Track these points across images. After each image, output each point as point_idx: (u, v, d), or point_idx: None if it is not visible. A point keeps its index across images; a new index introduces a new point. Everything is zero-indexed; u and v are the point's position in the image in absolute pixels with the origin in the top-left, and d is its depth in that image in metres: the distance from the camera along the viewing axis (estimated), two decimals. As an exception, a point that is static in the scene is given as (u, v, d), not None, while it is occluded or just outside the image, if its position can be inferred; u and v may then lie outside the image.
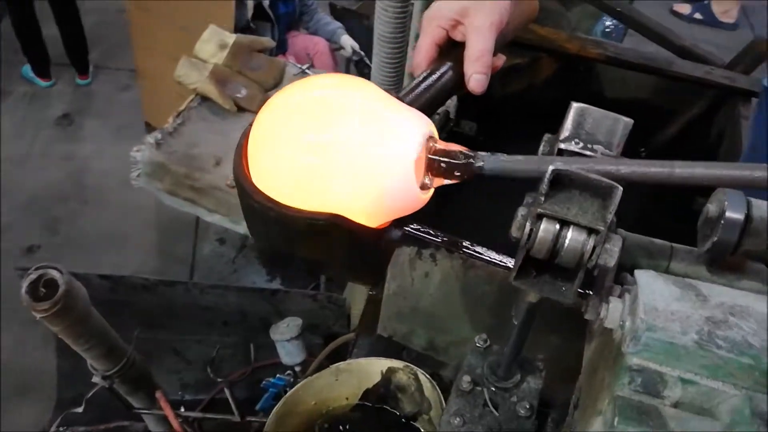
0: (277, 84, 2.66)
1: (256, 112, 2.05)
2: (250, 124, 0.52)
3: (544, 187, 0.40)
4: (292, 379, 1.93)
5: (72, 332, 1.07)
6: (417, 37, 1.53)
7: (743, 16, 4.90)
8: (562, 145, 0.46)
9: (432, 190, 0.49)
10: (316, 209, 0.47)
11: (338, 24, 3.21)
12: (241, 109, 2.49)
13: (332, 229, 0.47)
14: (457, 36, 0.72)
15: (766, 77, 1.09)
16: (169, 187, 2.16)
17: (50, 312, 0.99)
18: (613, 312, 0.43)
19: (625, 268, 0.53)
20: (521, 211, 0.42)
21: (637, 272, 0.43)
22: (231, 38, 2.53)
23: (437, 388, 0.91)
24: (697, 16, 4.59)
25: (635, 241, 0.56)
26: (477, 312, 0.95)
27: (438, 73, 0.67)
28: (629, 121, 0.46)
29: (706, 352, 0.37)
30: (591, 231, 0.40)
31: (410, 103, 0.60)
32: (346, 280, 1.44)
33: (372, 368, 0.98)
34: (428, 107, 0.60)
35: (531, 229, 0.41)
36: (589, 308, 0.53)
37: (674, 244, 0.56)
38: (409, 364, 0.96)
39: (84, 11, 4.23)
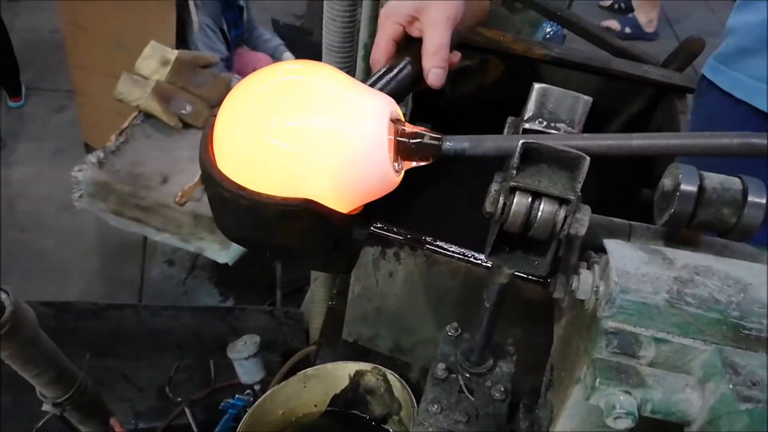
0: (222, 99, 2.62)
1: (202, 128, 2.01)
2: (214, 114, 0.52)
3: (515, 161, 0.42)
4: (251, 399, 1.89)
5: (20, 356, 1.02)
6: (365, 46, 1.55)
7: (667, 26, 5.20)
8: (527, 125, 0.48)
9: (402, 173, 0.50)
10: (288, 195, 0.47)
11: (279, 41, 3.22)
12: (186, 126, 2.45)
13: (304, 215, 0.47)
14: (414, 32, 0.73)
15: (705, 66, 1.17)
16: (113, 207, 2.09)
17: (-4, 336, 0.94)
18: (584, 283, 0.45)
19: (588, 247, 0.55)
20: (494, 187, 0.43)
21: (605, 241, 0.45)
22: (173, 54, 2.49)
23: (407, 386, 0.92)
24: (628, 30, 4.81)
25: (595, 221, 0.58)
26: (441, 309, 0.96)
27: (396, 69, 0.68)
28: (588, 99, 0.49)
29: (677, 309, 0.39)
30: (562, 201, 0.42)
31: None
32: (319, 269, 1.43)
33: (339, 373, 0.98)
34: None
35: (504, 203, 0.42)
36: (557, 286, 0.54)
37: (632, 222, 0.58)
38: (377, 366, 0.96)
39: (14, 31, 4.07)
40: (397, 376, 0.94)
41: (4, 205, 2.95)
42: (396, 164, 0.49)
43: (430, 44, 0.70)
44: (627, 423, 0.38)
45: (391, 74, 0.68)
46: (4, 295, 0.97)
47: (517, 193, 0.42)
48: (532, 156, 0.42)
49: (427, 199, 1.16)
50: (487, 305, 0.56)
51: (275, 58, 3.14)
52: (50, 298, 2.02)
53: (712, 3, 5.44)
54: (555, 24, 2.01)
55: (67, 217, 2.86)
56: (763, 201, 0.49)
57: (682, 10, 5.53)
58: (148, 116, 2.38)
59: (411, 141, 0.47)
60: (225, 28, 2.92)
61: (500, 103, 1.14)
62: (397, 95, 0.71)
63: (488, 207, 0.43)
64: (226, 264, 2.10)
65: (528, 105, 0.48)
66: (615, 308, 0.40)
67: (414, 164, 0.50)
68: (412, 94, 1.14)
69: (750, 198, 0.49)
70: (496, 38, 1.03)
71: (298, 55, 3.27)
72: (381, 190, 0.49)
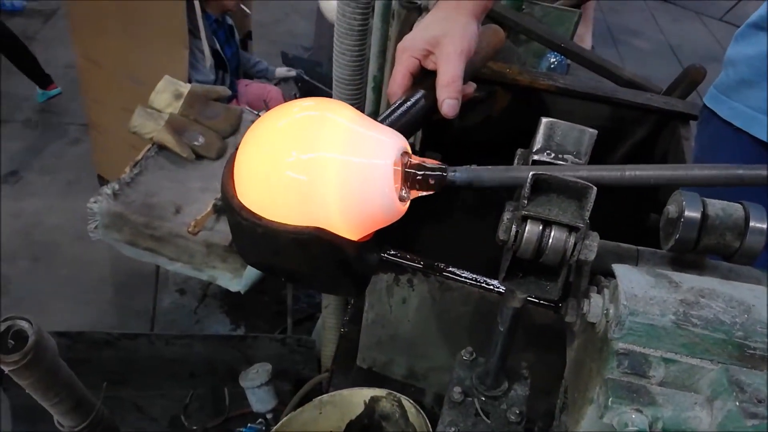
0: (234, 131, 2.68)
1: (215, 159, 2.06)
2: (236, 147, 0.55)
3: (526, 191, 0.44)
4: (263, 428, 1.89)
5: (41, 385, 1.04)
6: (374, 78, 1.59)
7: (614, 49, 5.31)
8: (536, 157, 0.51)
9: (408, 202, 0.53)
10: (303, 222, 0.49)
11: (265, 63, 3.32)
12: (199, 157, 2.50)
13: (315, 242, 0.50)
14: (429, 65, 0.77)
15: (706, 95, 1.20)
16: (128, 237, 2.13)
17: (20, 364, 0.96)
18: (594, 306, 0.47)
19: (598, 272, 0.57)
20: (506, 216, 0.46)
21: (614, 266, 0.47)
22: (186, 88, 2.55)
23: (422, 412, 0.93)
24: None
25: (604, 247, 0.60)
26: (455, 334, 0.98)
27: (412, 100, 0.71)
28: (594, 131, 0.51)
29: (684, 330, 0.41)
30: (572, 229, 0.44)
31: (392, 124, 0.64)
32: (330, 292, 1.45)
33: (355, 399, 0.99)
34: (405, 131, 0.64)
35: (517, 231, 0.45)
36: (569, 310, 0.56)
37: (639, 247, 0.60)
38: (392, 392, 0.97)
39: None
40: (412, 401, 0.96)
41: (19, 235, 2.99)
42: (403, 193, 0.52)
43: (444, 77, 0.74)
44: (639, 440, 0.40)
45: (407, 105, 0.71)
46: (26, 325, 0.99)
47: (529, 221, 0.44)
48: (541, 186, 0.45)
49: (441, 225, 1.18)
50: (501, 329, 0.58)
51: (269, 78, 3.25)
52: (64, 328, 2.05)
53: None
54: (559, 54, 2.05)
55: (81, 248, 2.90)
56: (764, 226, 0.51)
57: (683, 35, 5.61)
58: (161, 148, 2.43)
59: (417, 172, 0.49)
60: (218, 47, 2.98)
61: (508, 133, 1.17)
62: (413, 125, 0.74)
63: (501, 235, 0.46)
64: (238, 292, 2.12)
65: (536, 138, 0.51)
66: (625, 330, 0.42)
67: (422, 193, 0.52)
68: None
69: (752, 223, 0.51)
70: (501, 70, 1.06)
71: (308, 85, 3.34)
72: (388, 219, 0.51)
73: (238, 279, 2.05)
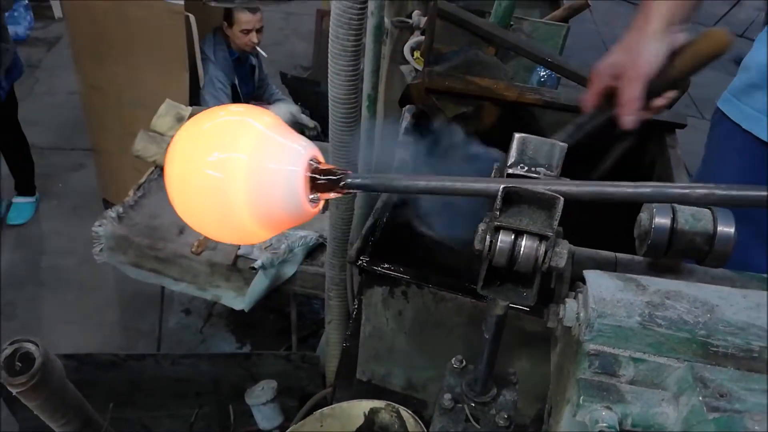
0: (234, 152, 2.72)
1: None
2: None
3: (498, 203, 0.47)
4: (269, 446, 1.90)
5: (49, 406, 1.06)
6: (368, 97, 1.62)
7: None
8: (510, 170, 0.53)
9: (320, 204, 0.56)
10: (221, 217, 0.53)
11: (289, 100, 3.35)
12: (201, 178, 2.54)
13: None
14: (616, 85, 0.91)
15: (720, 98, 1.26)
16: (133, 259, 2.16)
17: (27, 386, 0.98)
18: (569, 311, 0.49)
19: (578, 279, 0.60)
20: (481, 226, 0.48)
21: (585, 272, 0.49)
22: (187, 110, 2.60)
23: (420, 422, 0.94)
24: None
25: (584, 254, 0.62)
26: (450, 344, 1.00)
27: (598, 114, 0.94)
28: (564, 145, 0.54)
29: (650, 331, 0.43)
30: (542, 237, 0.46)
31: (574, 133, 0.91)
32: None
33: (354, 411, 1.01)
34: (586, 135, 0.94)
35: (491, 241, 0.47)
36: (550, 316, 0.58)
37: (618, 254, 0.63)
38: (390, 403, 0.99)
39: (34, 95, 4.26)
40: (410, 412, 0.97)
41: (27, 261, 3.03)
42: (312, 195, 0.55)
43: (623, 97, 0.90)
44: (610, 436, 0.42)
45: (593, 118, 0.95)
46: (33, 347, 1.02)
47: (501, 231, 0.47)
48: (512, 198, 0.48)
49: (433, 237, 1.20)
50: (487, 336, 0.60)
51: (268, 97, 3.29)
52: (72, 350, 2.07)
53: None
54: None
55: (87, 271, 2.93)
56: (732, 230, 0.54)
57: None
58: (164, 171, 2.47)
59: (320, 177, 0.53)
60: (237, 83, 3.05)
61: (497, 146, 1.20)
62: (593, 131, 0.98)
63: (477, 245, 0.48)
64: (243, 311, 2.14)
65: (510, 152, 0.53)
66: (594, 332, 0.44)
67: (332, 196, 0.56)
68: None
69: (719, 228, 0.53)
70: (489, 86, 1.10)
71: (305, 104, 3.39)
72: (297, 220, 0.56)
73: (241, 297, 2.08)
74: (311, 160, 0.54)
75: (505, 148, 0.99)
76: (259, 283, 2.04)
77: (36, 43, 4.96)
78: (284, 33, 5.29)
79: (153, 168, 2.47)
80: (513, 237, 0.47)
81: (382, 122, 1.78)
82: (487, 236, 0.47)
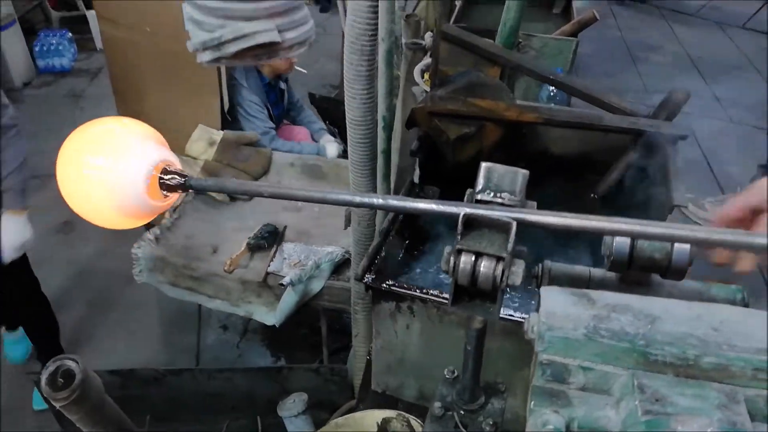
0: (265, 171, 2.83)
1: (247, 200, 2.20)
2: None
3: (459, 228, 0.52)
4: (302, 456, 1.96)
5: (89, 420, 1.15)
6: (384, 118, 1.68)
7: (634, 66, 5.31)
8: (478, 196, 0.58)
9: (172, 199, 0.67)
10: (88, 207, 0.65)
11: (322, 125, 3.44)
12: (232, 199, 2.65)
13: None
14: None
15: None
16: (170, 278, 2.27)
17: (69, 400, 1.07)
18: (531, 324, 0.54)
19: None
20: (447, 249, 0.54)
21: (541, 289, 0.54)
22: (219, 135, 2.72)
23: (428, 430, 0.99)
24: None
25: (560, 270, 0.67)
26: (457, 355, 1.04)
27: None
28: (525, 172, 0.59)
29: (594, 342, 0.47)
30: (498, 258, 0.51)
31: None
32: None
33: (367, 421, 1.06)
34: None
35: (454, 262, 0.52)
36: (528, 330, 0.63)
37: (591, 269, 0.67)
38: (401, 413, 1.04)
39: (78, 123, 4.48)
40: (419, 421, 1.02)
41: (74, 281, 3.20)
42: (162, 193, 0.65)
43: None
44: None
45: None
46: (74, 364, 1.11)
47: (463, 253, 0.52)
48: (473, 223, 0.53)
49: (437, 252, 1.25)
50: (469, 348, 0.65)
51: (315, 139, 3.37)
52: (117, 366, 2.19)
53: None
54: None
55: (130, 290, 3.07)
56: (687, 246, 0.57)
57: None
58: (198, 193, 2.59)
59: (163, 177, 0.63)
60: (269, 106, 3.17)
61: (502, 163, 1.24)
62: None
63: (443, 266, 0.53)
64: (275, 326, 2.22)
65: (478, 180, 0.58)
66: (546, 343, 0.49)
67: (179, 194, 0.67)
68: (419, 162, 1.26)
69: (676, 244, 0.57)
70: (490, 107, 1.14)
71: (333, 123, 3.49)
72: (146, 213, 0.65)
73: (272, 313, 2.16)
74: (164, 163, 0.64)
75: (508, 164, 1.04)
76: (289, 299, 2.12)
77: (80, 73, 5.22)
78: (313, 53, 5.42)
79: (187, 191, 2.58)
80: (473, 258, 0.52)
81: (399, 140, 1.84)
82: (451, 258, 0.53)
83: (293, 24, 0.82)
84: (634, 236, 0.52)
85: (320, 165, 2.80)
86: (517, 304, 0.98)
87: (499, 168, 0.57)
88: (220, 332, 2.97)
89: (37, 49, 5.06)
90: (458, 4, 2.46)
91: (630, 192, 1.25)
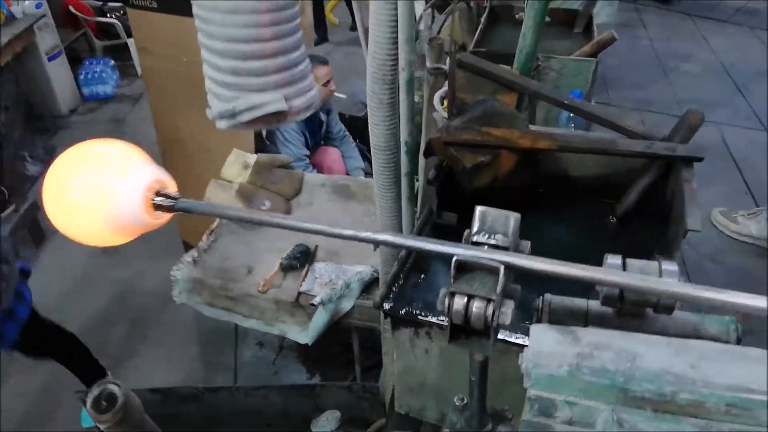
0: (297, 193, 2.91)
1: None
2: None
3: (452, 271, 0.56)
4: (335, 473, 2.01)
5: (130, 439, 1.22)
6: (406, 143, 1.73)
7: (665, 77, 5.21)
8: (474, 237, 0.62)
9: (166, 216, 0.72)
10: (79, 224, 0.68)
11: (360, 163, 3.50)
12: (266, 221, 2.73)
13: None
14: None
15: None
16: (207, 299, 2.36)
17: (112, 422, 1.15)
18: (522, 361, 0.57)
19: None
20: (442, 291, 0.58)
21: (531, 326, 0.58)
22: (252, 158, 2.82)
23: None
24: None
25: (559, 303, 0.70)
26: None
27: None
28: (517, 215, 0.62)
29: (577, 379, 0.51)
30: (489, 300, 0.55)
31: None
32: None
33: (390, 442, 1.10)
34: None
35: (448, 304, 0.57)
36: (520, 364, 0.67)
37: (589, 301, 0.70)
38: (420, 434, 1.08)
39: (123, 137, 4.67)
40: (439, 443, 1.06)
41: (117, 301, 3.34)
42: (155, 212, 0.71)
43: None
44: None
45: None
46: (116, 388, 1.19)
47: (456, 295, 0.56)
48: (465, 266, 0.57)
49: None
50: (473, 378, 0.69)
51: (348, 171, 3.44)
52: (158, 384, 2.28)
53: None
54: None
55: (170, 309, 3.18)
56: (674, 281, 0.60)
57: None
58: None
59: (155, 198, 0.69)
60: (307, 135, 3.26)
61: (518, 190, 1.27)
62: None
63: (438, 306, 0.58)
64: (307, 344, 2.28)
65: (473, 222, 0.63)
66: (532, 380, 0.52)
67: (171, 214, 0.72)
68: (437, 192, 1.30)
69: (665, 279, 0.60)
70: (504, 136, 1.18)
71: (365, 142, 3.55)
72: (142, 229, 0.71)
73: (305, 332, 2.22)
74: (157, 185, 0.70)
75: (524, 191, 1.08)
76: (320, 318, 2.18)
77: (123, 99, 5.45)
78: (344, 72, 5.53)
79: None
80: (466, 300, 0.56)
81: (424, 164, 1.89)
82: (446, 300, 0.57)
83: (299, 92, 0.88)
84: (617, 287, 0.55)
85: (349, 185, 2.86)
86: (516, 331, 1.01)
87: (493, 212, 0.61)
88: (256, 349, 3.05)
89: (82, 77, 5.31)
90: (482, 23, 2.50)
91: (648, 215, 1.27)
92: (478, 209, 0.62)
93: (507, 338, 0.97)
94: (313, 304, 2.19)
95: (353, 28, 6.54)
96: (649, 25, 6.51)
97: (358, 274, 2.26)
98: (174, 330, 3.13)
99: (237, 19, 0.86)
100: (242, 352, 3.00)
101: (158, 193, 0.70)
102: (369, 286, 2.29)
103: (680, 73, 5.40)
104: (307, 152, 3.19)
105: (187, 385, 2.25)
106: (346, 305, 2.23)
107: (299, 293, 2.30)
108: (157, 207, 0.70)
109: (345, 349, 2.90)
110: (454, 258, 0.56)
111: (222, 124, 0.92)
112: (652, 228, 1.25)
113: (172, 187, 0.73)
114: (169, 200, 0.71)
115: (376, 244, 0.70)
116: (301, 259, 2.44)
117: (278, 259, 2.44)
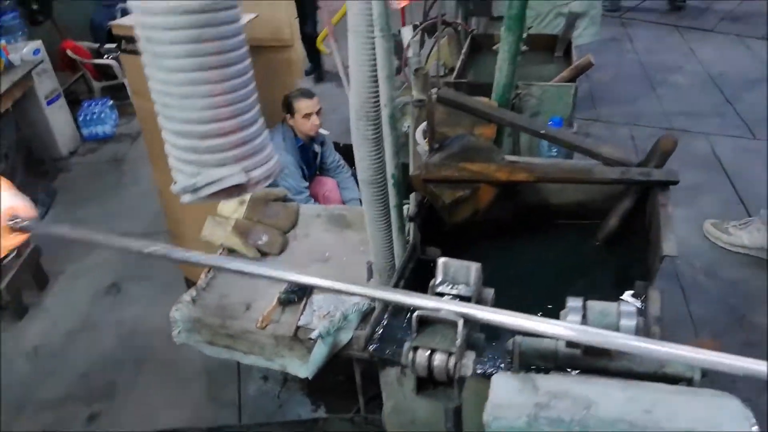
0: (293, 226, 2.94)
1: (278, 255, 2.30)
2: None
3: (414, 326, 0.58)
4: (341, 506, 2.00)
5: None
6: (393, 176, 1.76)
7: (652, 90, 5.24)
8: (438, 288, 0.64)
9: (18, 238, 0.84)
10: None
11: (355, 193, 3.53)
12: (263, 254, 2.76)
13: None
14: None
15: None
16: (207, 338, 2.37)
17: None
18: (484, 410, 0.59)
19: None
20: (406, 345, 0.60)
21: (493, 377, 0.59)
22: (247, 194, 2.85)
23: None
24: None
25: (530, 346, 0.72)
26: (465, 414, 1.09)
27: None
28: (478, 265, 0.64)
29: (534, 429, 0.52)
30: (450, 353, 0.57)
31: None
32: None
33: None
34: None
35: (412, 358, 0.58)
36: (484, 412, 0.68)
37: (558, 342, 0.72)
38: (414, 472, 1.08)
39: (121, 186, 4.73)
40: (431, 480, 1.06)
41: (122, 341, 3.35)
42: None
43: None
44: None
45: None
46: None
47: (419, 349, 0.58)
48: (427, 321, 0.59)
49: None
50: (448, 425, 0.71)
51: (344, 202, 3.48)
52: (164, 424, 2.28)
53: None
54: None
55: (175, 348, 3.19)
56: (633, 323, 0.62)
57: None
58: (230, 251, 2.71)
59: (8, 223, 0.82)
60: (303, 167, 3.30)
61: (498, 222, 1.29)
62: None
63: (403, 360, 0.59)
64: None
65: (436, 273, 0.65)
66: (493, 430, 0.54)
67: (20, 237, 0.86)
68: (419, 228, 1.33)
69: (622, 322, 0.62)
70: (481, 170, 1.20)
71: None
72: None
73: (305, 365, 2.22)
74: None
75: (503, 222, 1.09)
76: (319, 351, 2.18)
77: (121, 138, 5.52)
78: (340, 100, 5.59)
79: (220, 250, 2.71)
80: (428, 353, 0.58)
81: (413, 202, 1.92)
82: (409, 354, 0.59)
83: (258, 163, 0.91)
84: (574, 341, 0.56)
85: (345, 214, 2.89)
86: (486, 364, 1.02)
87: (455, 262, 0.63)
88: (260, 383, 3.05)
89: (81, 118, 5.39)
90: (463, 53, 2.55)
91: (630, 238, 1.28)
92: (440, 260, 0.64)
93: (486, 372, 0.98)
94: (311, 338, 2.20)
95: (308, 72, 6.29)
96: (636, 39, 6.57)
97: (356, 305, 2.27)
98: (179, 368, 3.14)
99: (194, 103, 0.89)
100: (247, 386, 3.00)
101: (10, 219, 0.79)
102: (366, 316, 2.30)
103: (668, 86, 5.43)
104: (306, 184, 3.23)
105: (193, 426, 2.26)
106: (345, 337, 2.24)
107: (297, 327, 2.31)
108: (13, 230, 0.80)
109: (348, 380, 2.90)
110: (416, 314, 0.58)
111: (186, 199, 0.95)
112: (635, 250, 1.26)
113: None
114: (12, 222, 0.81)
115: (349, 294, 0.72)
116: (299, 292, 2.45)
117: (276, 293, 2.45)
